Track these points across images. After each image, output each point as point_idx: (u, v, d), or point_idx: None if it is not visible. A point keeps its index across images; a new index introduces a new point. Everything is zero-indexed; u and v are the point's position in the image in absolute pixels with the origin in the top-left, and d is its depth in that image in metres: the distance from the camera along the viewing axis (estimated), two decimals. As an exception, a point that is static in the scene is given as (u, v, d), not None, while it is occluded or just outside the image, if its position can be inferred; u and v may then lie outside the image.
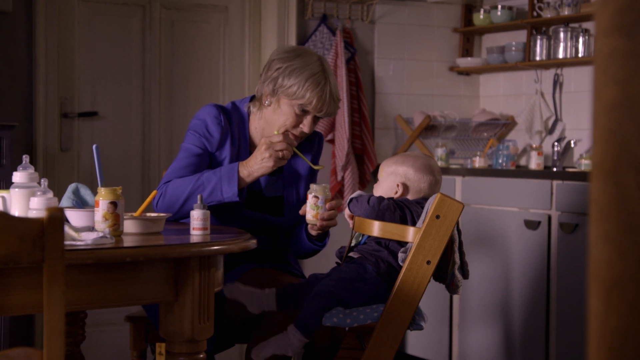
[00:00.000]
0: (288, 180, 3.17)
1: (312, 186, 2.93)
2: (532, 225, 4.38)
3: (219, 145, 3.07)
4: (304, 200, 3.10)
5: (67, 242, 2.23)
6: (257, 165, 2.94)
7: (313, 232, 3.05)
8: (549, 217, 4.31)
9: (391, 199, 2.85)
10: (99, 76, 4.81)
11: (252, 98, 3.17)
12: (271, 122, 3.06)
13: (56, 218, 1.76)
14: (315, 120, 3.06)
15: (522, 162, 5.36)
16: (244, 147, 3.12)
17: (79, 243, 2.25)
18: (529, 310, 4.40)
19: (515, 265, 4.47)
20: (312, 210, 2.92)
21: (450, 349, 4.84)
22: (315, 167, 3.11)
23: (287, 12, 5.05)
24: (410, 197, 2.89)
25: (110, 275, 2.28)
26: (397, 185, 2.88)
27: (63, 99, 4.70)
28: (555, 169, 4.84)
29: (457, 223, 2.75)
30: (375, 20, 5.34)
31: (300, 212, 3.00)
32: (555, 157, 4.98)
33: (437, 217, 2.70)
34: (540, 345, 4.35)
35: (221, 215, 3.04)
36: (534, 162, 4.92)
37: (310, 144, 3.22)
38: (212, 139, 3.06)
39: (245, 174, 2.95)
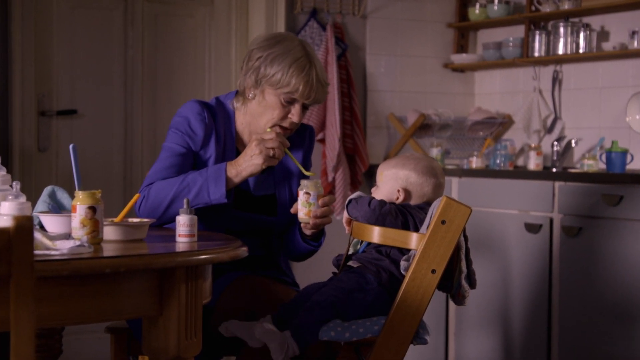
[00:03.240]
0: (279, 178, 3.02)
1: (303, 182, 2.78)
2: (533, 228, 4.28)
3: (203, 144, 2.92)
4: (297, 199, 2.93)
5: (40, 252, 2.08)
6: (245, 163, 2.79)
7: (307, 232, 2.90)
8: (551, 220, 4.22)
9: (393, 203, 2.68)
10: (78, 72, 4.70)
11: (237, 93, 2.99)
12: (257, 116, 2.91)
13: (24, 228, 1.55)
14: (304, 109, 2.90)
15: (520, 162, 5.27)
16: (230, 145, 2.95)
17: (53, 252, 2.10)
18: (529, 317, 4.29)
19: (515, 270, 4.36)
20: (303, 207, 2.77)
21: (447, 358, 4.72)
22: (307, 174, 2.91)
23: (276, 5, 4.97)
24: (412, 202, 2.74)
25: (88, 288, 2.12)
26: (398, 191, 2.73)
27: (40, 96, 4.59)
28: (554, 170, 4.73)
29: (464, 229, 2.58)
30: (367, 15, 5.24)
31: (292, 210, 2.85)
32: (555, 157, 4.87)
33: (443, 222, 2.54)
34: (541, 355, 4.24)
35: (208, 217, 2.88)
36: (533, 163, 4.82)
37: (301, 139, 3.07)
38: (196, 137, 2.91)
39: (234, 173, 2.80)
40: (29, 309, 1.61)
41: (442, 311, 4.69)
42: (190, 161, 2.91)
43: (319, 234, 2.94)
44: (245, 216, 2.94)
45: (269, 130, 2.84)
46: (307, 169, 3.08)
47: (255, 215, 2.95)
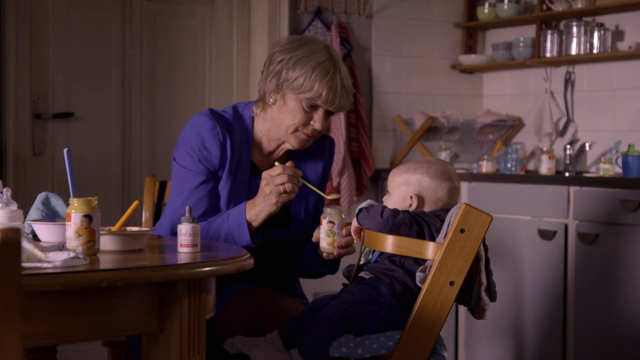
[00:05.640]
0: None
1: (327, 210, 2.66)
2: (547, 235, 4.19)
3: (220, 163, 2.79)
4: (312, 214, 2.87)
5: (31, 265, 1.98)
6: (261, 205, 2.67)
7: (327, 259, 2.78)
8: (566, 227, 4.14)
9: (407, 212, 2.55)
10: (75, 74, 4.64)
11: (258, 99, 2.88)
12: (277, 122, 2.78)
13: (11, 242, 1.41)
14: (327, 116, 2.77)
15: (531, 166, 5.19)
16: (246, 156, 2.83)
17: (45, 265, 1.99)
18: (543, 328, 4.20)
19: (529, 279, 4.27)
20: (327, 237, 2.65)
21: (457, 369, 4.64)
22: (329, 197, 2.76)
23: (279, 5, 4.91)
24: (427, 208, 2.61)
25: (82, 303, 2.02)
26: (411, 197, 2.60)
27: (36, 98, 4.54)
28: (567, 174, 4.62)
29: (484, 238, 2.45)
30: (373, 15, 5.19)
31: (314, 239, 2.73)
32: (568, 161, 4.78)
33: (462, 231, 2.41)
34: (556, 366, 4.16)
35: None
36: (545, 167, 4.73)
37: (320, 149, 2.95)
38: (211, 156, 2.78)
39: (253, 216, 2.68)
40: (15, 331, 1.46)
41: (451, 320, 4.61)
42: (213, 183, 2.80)
43: (336, 259, 2.83)
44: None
45: (276, 164, 2.68)
46: (326, 182, 2.97)
47: (268, 230, 2.81)
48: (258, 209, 2.66)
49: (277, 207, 2.65)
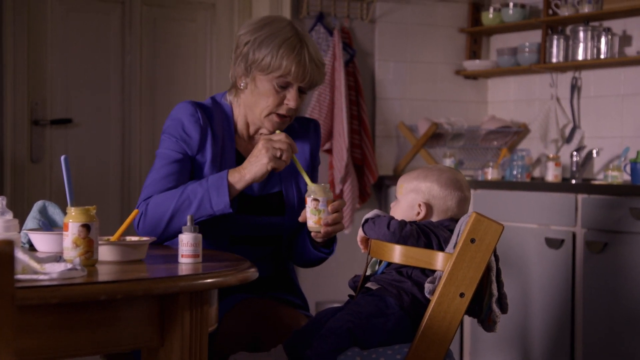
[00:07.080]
0: (286, 174, 2.84)
1: (310, 187, 2.60)
2: (554, 243, 4.13)
3: (199, 147, 2.75)
4: (304, 199, 2.78)
5: (27, 277, 1.91)
6: (249, 166, 2.62)
7: (317, 239, 2.72)
8: (574, 235, 4.08)
9: (414, 223, 2.48)
10: (73, 79, 4.61)
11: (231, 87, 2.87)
12: (251, 106, 2.75)
13: (4, 255, 1.33)
14: (301, 94, 2.74)
15: (536, 173, 5.14)
16: (230, 145, 2.78)
17: (41, 277, 1.93)
18: (551, 338, 4.15)
19: (536, 288, 4.22)
20: (313, 215, 2.60)
21: (462, 380, 4.58)
22: (311, 186, 2.68)
23: (281, 9, 4.89)
24: (435, 218, 2.55)
25: (80, 317, 1.96)
26: (419, 206, 2.54)
27: (34, 104, 4.51)
28: (574, 181, 4.55)
29: (495, 248, 2.39)
30: (376, 19, 5.16)
31: (300, 219, 2.68)
32: (574, 168, 4.73)
33: (472, 240, 2.35)
34: (564, 377, 4.10)
35: (207, 225, 2.70)
36: (551, 174, 4.69)
37: (304, 131, 2.90)
38: (191, 140, 2.74)
39: (236, 178, 2.62)
40: (8, 347, 1.39)
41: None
42: (188, 167, 2.75)
43: (330, 240, 2.78)
44: (250, 220, 2.76)
45: (278, 132, 2.67)
46: (316, 165, 2.92)
47: (261, 217, 2.76)
48: (244, 170, 2.61)
49: (265, 170, 2.59)
